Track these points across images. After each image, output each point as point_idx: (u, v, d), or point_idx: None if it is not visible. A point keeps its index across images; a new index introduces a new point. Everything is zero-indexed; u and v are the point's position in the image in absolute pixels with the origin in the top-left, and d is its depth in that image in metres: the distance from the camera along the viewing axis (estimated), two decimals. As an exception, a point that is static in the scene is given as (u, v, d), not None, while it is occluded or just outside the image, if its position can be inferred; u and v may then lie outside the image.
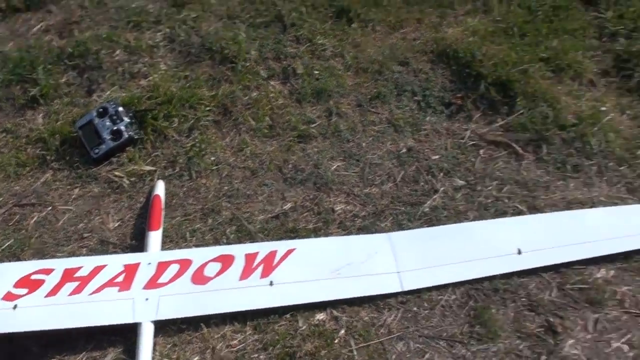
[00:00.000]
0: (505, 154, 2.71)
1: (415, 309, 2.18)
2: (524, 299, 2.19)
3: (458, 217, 2.47)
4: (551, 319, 2.12)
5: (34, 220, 2.54)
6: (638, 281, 2.21)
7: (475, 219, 2.46)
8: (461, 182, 2.61)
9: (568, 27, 3.13)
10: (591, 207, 2.47)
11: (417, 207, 2.51)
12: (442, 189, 2.57)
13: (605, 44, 3.06)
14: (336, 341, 2.10)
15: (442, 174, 2.63)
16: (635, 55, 2.96)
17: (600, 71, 2.98)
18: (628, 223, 2.36)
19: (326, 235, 2.42)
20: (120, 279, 2.17)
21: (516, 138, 2.75)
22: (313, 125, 2.82)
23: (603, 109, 2.80)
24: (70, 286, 2.15)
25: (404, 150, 2.74)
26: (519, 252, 2.26)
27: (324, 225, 2.46)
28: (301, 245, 2.31)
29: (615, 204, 2.47)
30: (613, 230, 2.33)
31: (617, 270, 2.24)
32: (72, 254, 2.39)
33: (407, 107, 2.89)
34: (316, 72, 3.01)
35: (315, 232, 2.43)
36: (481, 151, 2.73)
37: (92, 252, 2.40)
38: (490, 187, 2.58)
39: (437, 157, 2.70)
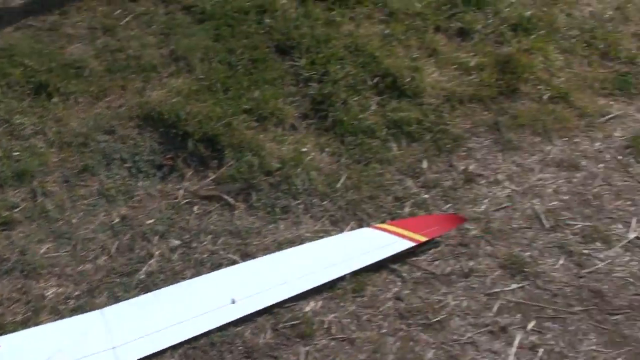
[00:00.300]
0: (219, 207, 2.77)
1: (132, 381, 2.13)
2: (240, 347, 2.23)
3: (175, 277, 2.48)
4: (266, 362, 2.19)
5: None
6: (342, 307, 2.36)
7: (192, 276, 2.48)
8: (177, 242, 2.62)
9: (267, 77, 3.31)
10: (300, 244, 2.60)
11: (132, 275, 2.48)
12: (157, 252, 2.57)
13: (302, 89, 3.28)
14: None
15: (157, 238, 2.63)
16: (327, 96, 3.20)
17: (300, 115, 3.18)
18: (331, 253, 2.52)
19: (37, 324, 2.29)
20: None
21: (227, 190, 2.83)
22: (17, 210, 2.69)
23: (304, 149, 2.99)
24: None
25: (118, 219, 2.70)
26: (233, 302, 2.32)
27: (34, 314, 2.33)
28: (4, 342, 2.17)
29: (321, 237, 2.63)
30: (318, 262, 2.47)
31: (324, 301, 2.38)
32: None
33: (118, 176, 2.86)
34: (16, 153, 2.88)
35: (25, 324, 2.30)
36: (195, 208, 2.77)
37: None
38: (205, 242, 2.62)
39: (151, 221, 2.69)
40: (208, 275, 2.46)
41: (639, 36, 3.73)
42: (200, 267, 2.52)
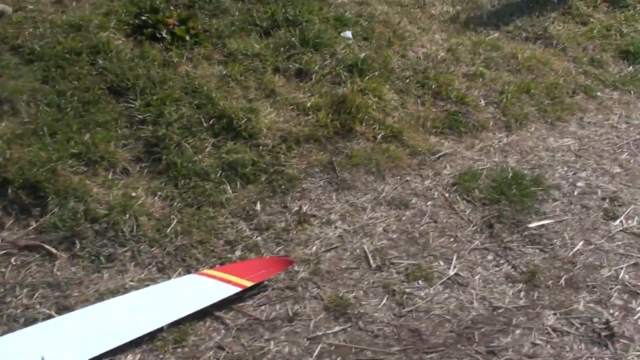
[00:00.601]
0: (39, 258, 2.64)
1: None
2: (48, 410, 2.10)
3: (-17, 337, 2.31)
4: None
5: None
6: (162, 359, 2.28)
7: (4, 333, 2.33)
8: (-11, 298, 2.46)
9: (100, 120, 3.20)
10: (124, 294, 2.51)
11: None
12: (-35, 310, 2.39)
13: (136, 131, 3.20)
14: None
15: (-34, 294, 2.45)
16: (161, 139, 3.14)
17: (133, 158, 3.10)
18: (154, 302, 2.45)
19: None
20: None
21: (50, 239, 2.70)
22: None
23: (134, 194, 2.90)
24: None
25: None
26: (43, 361, 2.19)
27: None
28: None
29: (146, 286, 2.55)
30: (139, 313, 2.39)
31: (142, 353, 2.30)
32: None
33: None
34: None
35: None
36: (13, 259, 2.63)
37: None
38: (20, 296, 2.48)
39: (-38, 277, 2.51)
40: (18, 332, 2.32)
41: (469, 76, 3.94)
42: (14, 323, 2.38)
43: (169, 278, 2.61)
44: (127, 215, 2.80)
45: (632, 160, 3.44)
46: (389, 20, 4.21)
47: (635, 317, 2.52)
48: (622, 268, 2.75)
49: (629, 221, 3.01)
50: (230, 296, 2.50)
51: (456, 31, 4.35)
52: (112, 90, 3.38)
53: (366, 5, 4.34)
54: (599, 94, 4.03)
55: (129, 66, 3.46)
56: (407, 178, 3.23)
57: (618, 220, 3.00)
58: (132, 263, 2.66)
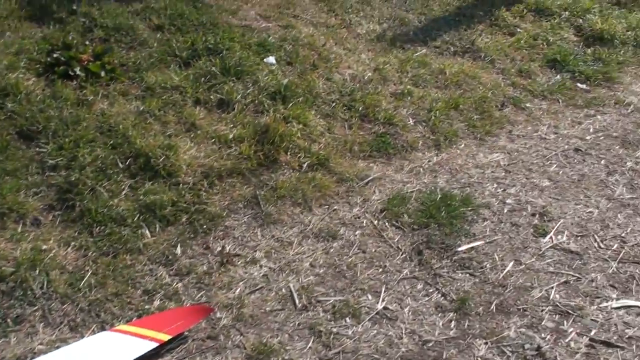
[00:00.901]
0: (-60, 325, 2.46)
1: None
2: None
3: None
4: None
5: None
6: None
7: None
8: None
9: (8, 168, 3.04)
10: (32, 358, 2.35)
11: None
12: None
13: (48, 178, 3.04)
14: None
15: None
16: (75, 184, 2.99)
17: (45, 207, 2.94)
18: (64, 367, 2.29)
19: None
20: None
21: (-48, 304, 2.52)
22: None
23: (45, 247, 2.75)
24: None
25: None
26: None
27: None
28: None
29: (58, 348, 2.40)
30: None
31: None
32: None
33: None
34: None
35: None
36: None
37: None
38: None
39: None
40: None
41: (397, 96, 3.88)
42: None
43: (82, 337, 2.46)
44: (37, 271, 2.64)
45: (560, 172, 3.40)
46: (314, 42, 4.14)
47: (567, 340, 2.47)
48: (552, 287, 2.70)
49: (559, 236, 2.96)
50: (147, 353, 2.36)
51: (383, 49, 4.30)
52: (22, 135, 3.21)
53: (291, 28, 4.25)
54: (528, 104, 4.01)
55: (40, 108, 3.30)
56: (335, 207, 3.14)
57: (548, 237, 2.96)
58: (42, 323, 2.50)
